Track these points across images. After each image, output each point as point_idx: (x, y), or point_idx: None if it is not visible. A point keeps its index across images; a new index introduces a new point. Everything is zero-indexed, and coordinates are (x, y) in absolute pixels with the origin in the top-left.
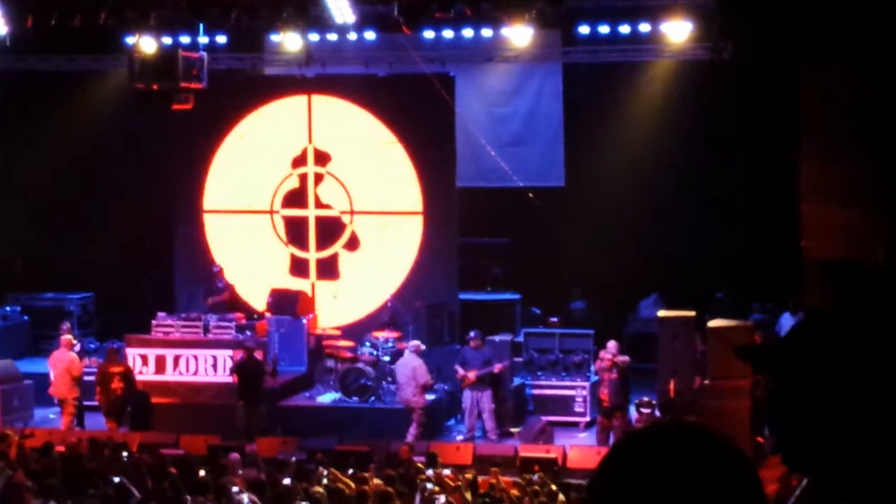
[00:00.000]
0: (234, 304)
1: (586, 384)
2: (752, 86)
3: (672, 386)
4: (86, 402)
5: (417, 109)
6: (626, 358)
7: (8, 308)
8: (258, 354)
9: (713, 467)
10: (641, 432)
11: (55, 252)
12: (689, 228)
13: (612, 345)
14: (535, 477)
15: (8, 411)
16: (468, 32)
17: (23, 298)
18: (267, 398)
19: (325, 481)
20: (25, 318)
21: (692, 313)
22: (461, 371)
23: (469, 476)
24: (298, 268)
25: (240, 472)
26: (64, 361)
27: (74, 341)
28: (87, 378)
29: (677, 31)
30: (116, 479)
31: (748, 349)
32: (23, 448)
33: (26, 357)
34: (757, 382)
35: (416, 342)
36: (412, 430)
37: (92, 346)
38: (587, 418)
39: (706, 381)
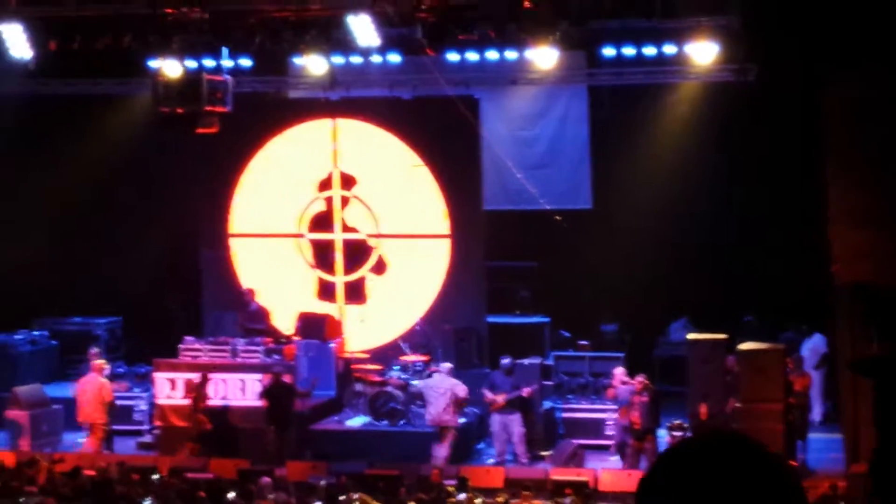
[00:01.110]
0: (267, 329)
1: (617, 407)
2: (778, 108)
3: (703, 409)
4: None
5: (443, 132)
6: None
7: (36, 332)
8: (287, 378)
9: (758, 474)
10: (692, 438)
11: (82, 276)
12: (717, 251)
13: (619, 371)
14: (568, 500)
15: (37, 436)
16: (492, 55)
17: (50, 323)
18: (296, 422)
19: None
20: (53, 342)
21: (722, 336)
22: (490, 395)
23: (500, 500)
24: (326, 291)
25: (270, 496)
26: (95, 386)
27: (106, 366)
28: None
29: (702, 52)
30: (146, 503)
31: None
32: (52, 473)
33: (54, 381)
34: (789, 406)
35: (448, 364)
36: (443, 451)
37: (120, 370)
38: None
39: (738, 404)
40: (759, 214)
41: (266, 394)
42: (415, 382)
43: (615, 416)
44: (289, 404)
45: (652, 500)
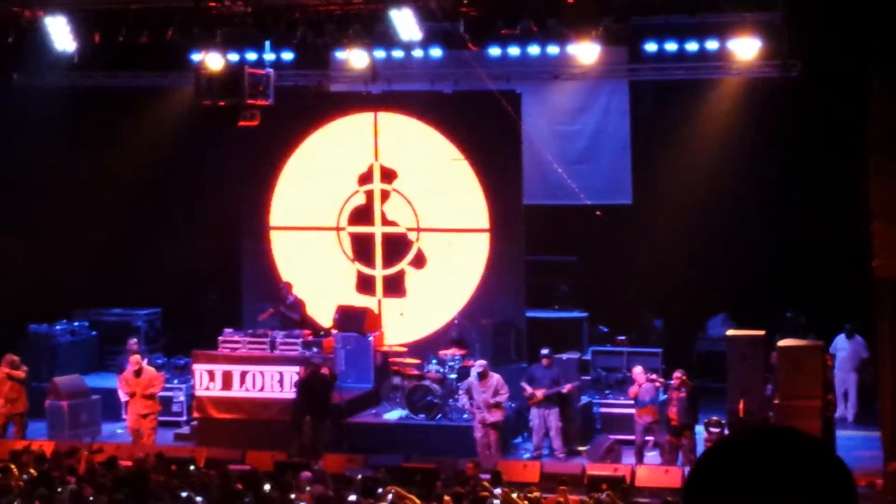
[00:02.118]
0: (303, 321)
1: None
2: (821, 103)
3: (741, 405)
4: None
5: (484, 126)
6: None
7: (76, 323)
8: (324, 371)
9: (810, 466)
10: (741, 431)
11: (123, 267)
12: (757, 247)
13: (638, 370)
14: (604, 496)
15: (76, 426)
16: (534, 49)
17: (91, 314)
18: (333, 414)
19: (390, 497)
20: (93, 333)
21: (761, 332)
22: (528, 389)
23: (536, 494)
24: (365, 285)
25: (308, 488)
26: (144, 378)
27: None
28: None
29: (745, 48)
30: (184, 494)
31: None
32: (91, 462)
33: (94, 372)
34: (827, 403)
35: (482, 361)
36: (495, 447)
37: (159, 361)
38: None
39: (776, 400)
40: (801, 210)
41: (302, 385)
42: (452, 376)
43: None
44: (325, 397)
45: (700, 496)
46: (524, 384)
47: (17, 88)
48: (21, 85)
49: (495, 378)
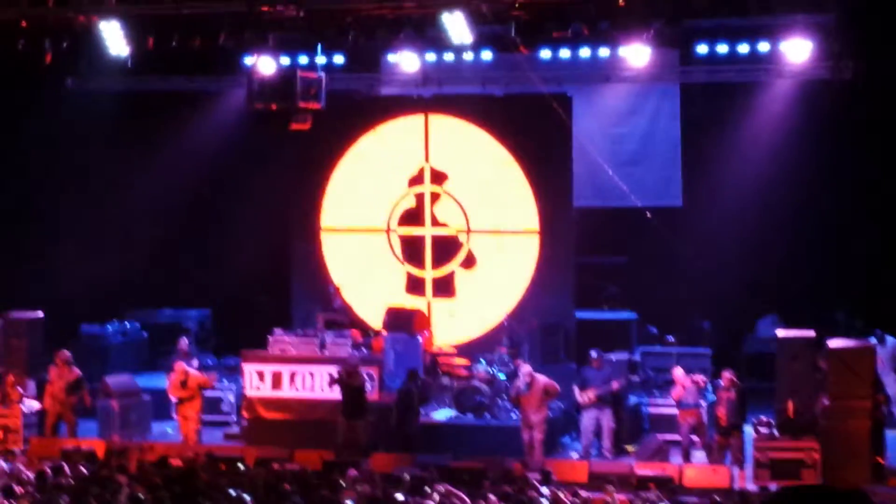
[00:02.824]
0: (351, 325)
1: (703, 403)
2: (874, 105)
3: (790, 406)
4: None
5: (534, 129)
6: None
7: (127, 324)
8: (360, 370)
9: None
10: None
11: (174, 268)
12: (808, 248)
13: (679, 372)
14: (652, 495)
15: (126, 426)
16: (585, 52)
17: (142, 314)
18: (369, 413)
19: (437, 497)
20: (144, 333)
21: (812, 333)
22: (580, 394)
23: (584, 495)
24: (415, 286)
25: (359, 488)
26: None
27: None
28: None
29: (797, 50)
30: (233, 493)
31: None
32: (142, 462)
33: (144, 372)
34: (877, 403)
35: (527, 370)
36: (539, 447)
37: (209, 362)
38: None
39: (826, 401)
40: (852, 211)
41: (339, 385)
42: (501, 377)
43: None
44: (361, 396)
45: None
46: (576, 387)
47: (71, 93)
48: (75, 90)
49: (542, 382)
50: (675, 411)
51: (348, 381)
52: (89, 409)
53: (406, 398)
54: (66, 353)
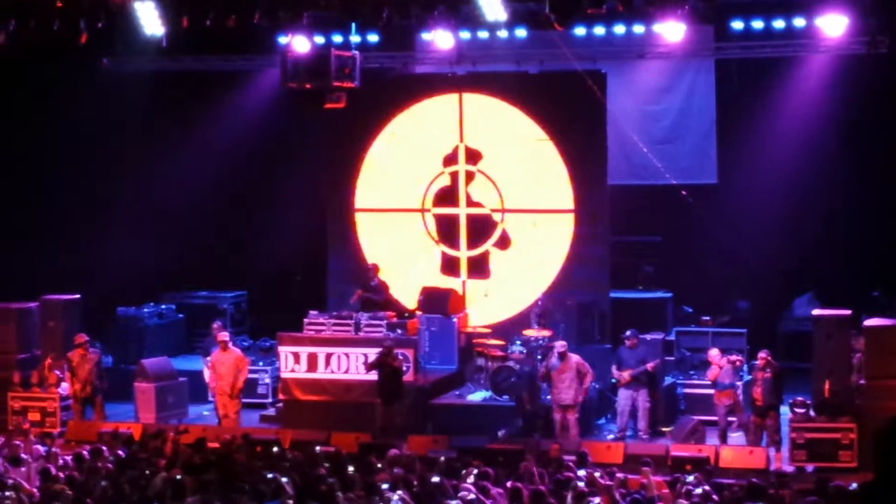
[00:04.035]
0: (386, 303)
1: (739, 383)
2: None
3: (827, 386)
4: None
5: (569, 106)
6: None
7: (163, 306)
8: (396, 352)
9: None
10: None
11: (209, 250)
12: (844, 226)
13: (715, 352)
14: (690, 478)
15: (163, 408)
16: (620, 29)
17: (178, 297)
18: (407, 396)
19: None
20: (180, 315)
21: (848, 312)
22: (616, 373)
23: (620, 476)
24: (449, 266)
25: (395, 469)
26: (231, 359)
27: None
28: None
29: (833, 25)
30: (270, 475)
31: None
32: (178, 444)
33: (181, 355)
34: None
35: (563, 342)
36: (574, 428)
37: (245, 343)
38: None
39: (862, 381)
40: (888, 187)
41: (375, 368)
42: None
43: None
44: (397, 378)
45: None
46: (614, 368)
47: (107, 73)
48: (111, 69)
49: (575, 359)
50: (710, 392)
51: (385, 363)
52: (124, 392)
53: (531, 379)
54: (84, 336)
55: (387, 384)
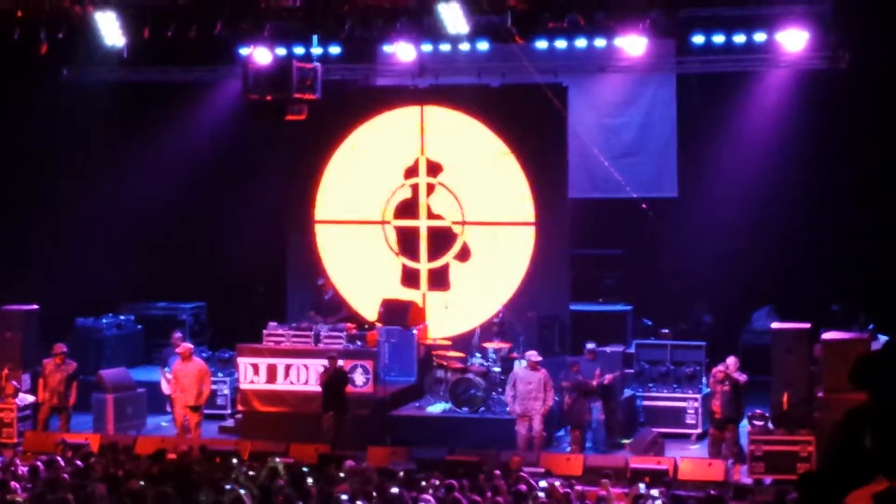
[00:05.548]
0: (348, 317)
1: (698, 396)
2: (870, 95)
3: (785, 398)
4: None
5: (530, 120)
6: (744, 376)
7: (122, 317)
8: (341, 363)
9: None
10: None
11: (168, 261)
12: (803, 240)
13: (731, 360)
14: (655, 492)
15: (121, 419)
16: (581, 42)
17: (137, 307)
18: (350, 407)
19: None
20: (139, 326)
21: (807, 325)
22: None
23: (579, 488)
24: (410, 278)
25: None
26: (194, 370)
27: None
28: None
29: (793, 40)
30: (228, 487)
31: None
32: (137, 455)
33: (139, 366)
34: None
35: (533, 352)
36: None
37: (204, 354)
38: (699, 430)
39: (821, 394)
40: (848, 203)
41: (326, 380)
42: (496, 369)
43: (696, 405)
44: (343, 390)
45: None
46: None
47: (67, 84)
48: (71, 80)
49: (543, 373)
50: (669, 404)
51: (333, 375)
52: (83, 403)
53: (610, 391)
54: (63, 346)
55: (336, 395)
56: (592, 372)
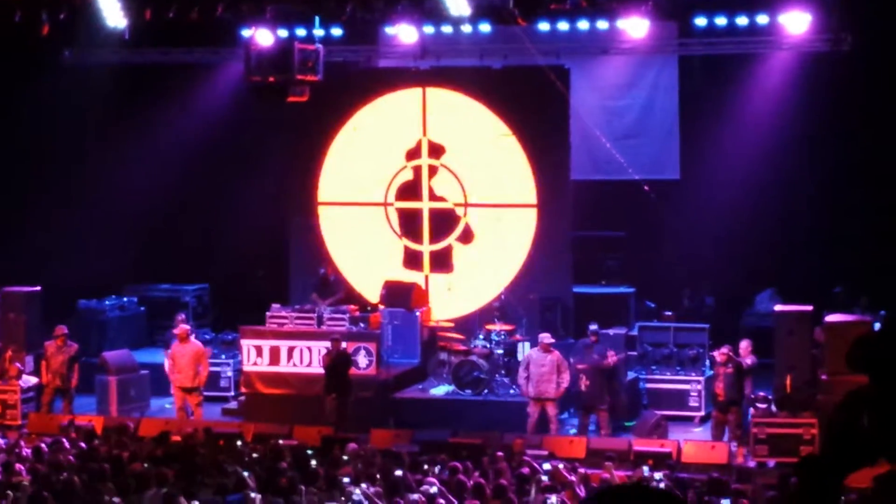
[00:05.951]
0: (349, 298)
1: (701, 378)
2: (873, 77)
3: (788, 381)
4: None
5: (532, 102)
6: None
7: (125, 299)
8: (344, 346)
9: None
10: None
11: (172, 243)
12: (806, 222)
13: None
14: (658, 475)
15: (125, 401)
16: (583, 24)
17: (140, 289)
18: (354, 389)
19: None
20: (142, 308)
21: (809, 308)
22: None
23: (582, 471)
24: (412, 260)
25: (359, 464)
26: (191, 351)
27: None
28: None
29: (796, 22)
30: (231, 469)
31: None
32: (140, 437)
33: (143, 347)
34: None
35: (546, 334)
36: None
37: (207, 336)
38: (702, 413)
39: (824, 377)
40: (851, 185)
41: (329, 362)
42: (499, 351)
43: (699, 387)
44: (346, 372)
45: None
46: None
47: (68, 65)
48: (73, 62)
49: (556, 355)
50: (673, 386)
51: (336, 357)
52: (86, 385)
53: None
54: (64, 328)
55: (339, 377)
56: (604, 352)
